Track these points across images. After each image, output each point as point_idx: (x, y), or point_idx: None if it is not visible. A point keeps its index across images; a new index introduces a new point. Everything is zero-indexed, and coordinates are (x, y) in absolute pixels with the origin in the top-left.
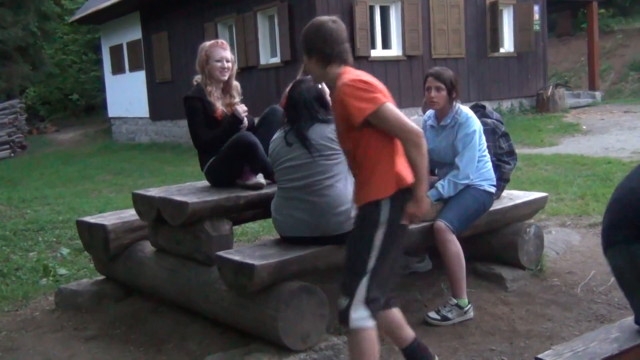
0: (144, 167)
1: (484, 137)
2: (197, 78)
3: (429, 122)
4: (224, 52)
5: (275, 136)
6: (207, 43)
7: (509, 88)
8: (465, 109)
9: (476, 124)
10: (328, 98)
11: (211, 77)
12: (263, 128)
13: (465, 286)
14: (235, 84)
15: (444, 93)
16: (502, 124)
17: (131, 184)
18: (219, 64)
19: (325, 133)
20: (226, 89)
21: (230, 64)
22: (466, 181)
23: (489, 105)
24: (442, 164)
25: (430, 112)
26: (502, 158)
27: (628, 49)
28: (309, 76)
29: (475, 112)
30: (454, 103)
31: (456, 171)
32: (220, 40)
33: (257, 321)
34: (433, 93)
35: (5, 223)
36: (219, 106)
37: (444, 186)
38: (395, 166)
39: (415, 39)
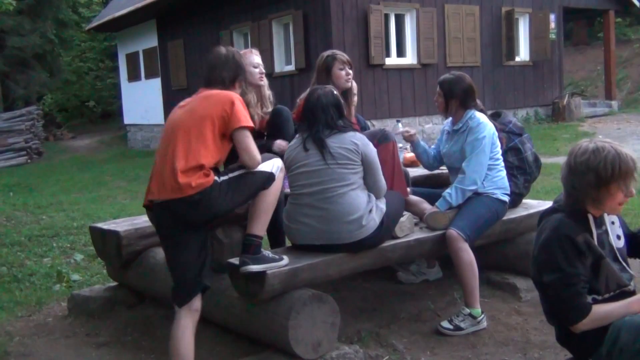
0: None
1: (498, 145)
2: None
3: (446, 128)
4: (258, 58)
5: (292, 142)
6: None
7: (525, 97)
8: (479, 115)
9: (488, 130)
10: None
11: (250, 84)
12: (270, 130)
13: (479, 296)
14: (268, 93)
15: (441, 99)
16: (518, 135)
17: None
18: (256, 70)
19: (345, 143)
20: (260, 98)
21: (264, 70)
22: (473, 187)
23: (508, 115)
24: (452, 169)
25: (450, 118)
26: (510, 172)
27: None
28: (329, 85)
29: None
30: (469, 110)
31: (462, 176)
32: (250, 49)
33: (268, 329)
34: (435, 97)
35: (21, 229)
36: (256, 118)
37: (451, 194)
38: None
39: (430, 47)
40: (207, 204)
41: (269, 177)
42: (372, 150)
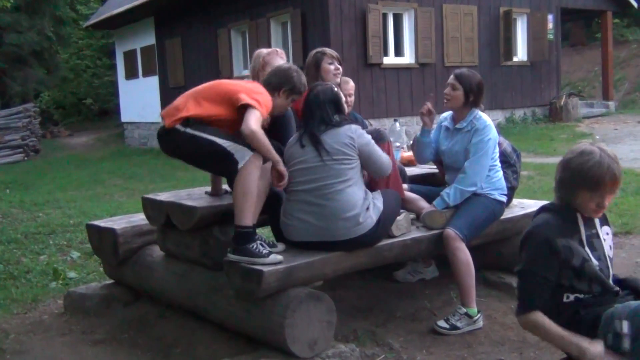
0: (155, 172)
1: (497, 147)
2: None
3: (445, 123)
4: (281, 62)
5: (291, 139)
6: (265, 50)
7: (522, 97)
8: (485, 117)
9: (493, 133)
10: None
11: None
12: (272, 129)
13: (475, 295)
14: None
15: (459, 93)
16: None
17: (142, 189)
18: None
19: (341, 138)
20: None
21: None
22: (472, 189)
23: (502, 114)
24: (452, 168)
25: (447, 113)
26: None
27: None
28: (330, 82)
29: None
30: (474, 108)
31: (462, 176)
32: (278, 49)
33: (264, 327)
34: (448, 90)
35: (17, 226)
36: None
37: (449, 194)
38: None
39: (428, 46)
40: (171, 138)
41: (227, 154)
42: (365, 140)
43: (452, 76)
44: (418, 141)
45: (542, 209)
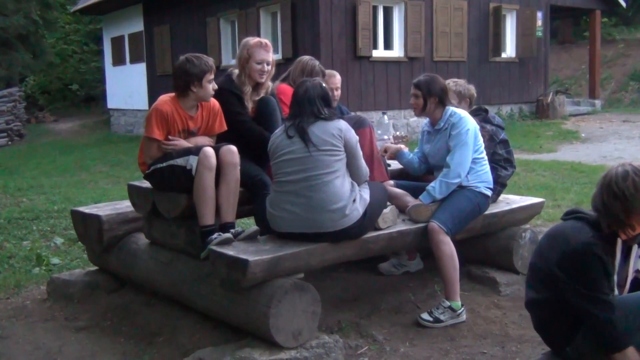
0: None
1: (481, 139)
2: (235, 70)
3: (425, 128)
4: (265, 55)
5: (277, 130)
6: (251, 41)
7: (510, 93)
8: (459, 111)
9: (470, 124)
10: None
11: (249, 77)
12: (257, 119)
13: (459, 289)
14: (268, 85)
15: (420, 100)
16: (502, 129)
17: (128, 176)
18: (259, 66)
19: (328, 129)
20: (258, 87)
21: (270, 67)
22: (457, 180)
23: (489, 110)
24: (438, 167)
25: (427, 119)
26: (499, 164)
27: (629, 59)
28: (317, 78)
29: (476, 116)
30: (447, 107)
31: (446, 170)
32: (264, 41)
33: (249, 317)
34: (412, 100)
35: (0, 211)
36: (251, 105)
37: (435, 188)
38: None
39: (417, 40)
40: (152, 182)
41: (184, 169)
42: (353, 136)
43: (412, 86)
44: (401, 164)
45: (587, 222)
